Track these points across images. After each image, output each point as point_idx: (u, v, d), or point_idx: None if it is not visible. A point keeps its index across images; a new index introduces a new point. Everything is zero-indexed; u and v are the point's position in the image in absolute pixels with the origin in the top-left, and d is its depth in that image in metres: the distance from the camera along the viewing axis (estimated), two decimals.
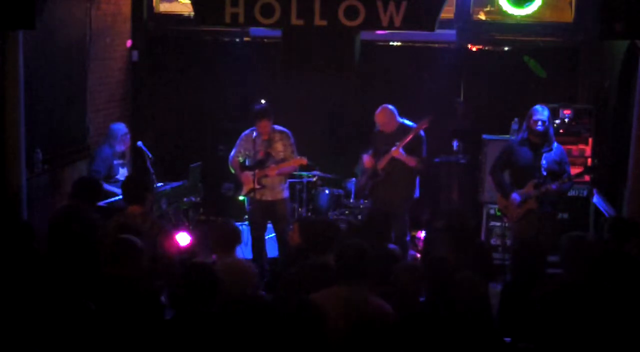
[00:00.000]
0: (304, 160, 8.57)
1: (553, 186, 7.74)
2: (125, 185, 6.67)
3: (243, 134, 8.73)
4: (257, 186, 8.49)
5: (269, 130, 8.54)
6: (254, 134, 8.61)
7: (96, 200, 7.11)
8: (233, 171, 8.83)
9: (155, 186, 8.53)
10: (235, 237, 6.04)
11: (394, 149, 8.38)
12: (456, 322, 4.69)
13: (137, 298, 4.92)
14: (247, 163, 8.55)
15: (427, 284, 5.26)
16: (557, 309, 4.66)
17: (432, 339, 4.51)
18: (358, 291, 4.93)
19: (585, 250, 5.66)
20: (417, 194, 8.80)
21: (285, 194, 8.76)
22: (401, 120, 8.57)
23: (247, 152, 8.60)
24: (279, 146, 8.58)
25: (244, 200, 8.88)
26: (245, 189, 8.65)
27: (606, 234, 6.46)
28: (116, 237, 5.56)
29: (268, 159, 8.54)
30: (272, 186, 8.58)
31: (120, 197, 7.06)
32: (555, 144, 7.95)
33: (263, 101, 9.71)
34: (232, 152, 8.80)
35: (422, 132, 8.46)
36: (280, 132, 8.63)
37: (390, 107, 8.52)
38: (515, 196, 7.85)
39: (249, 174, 8.51)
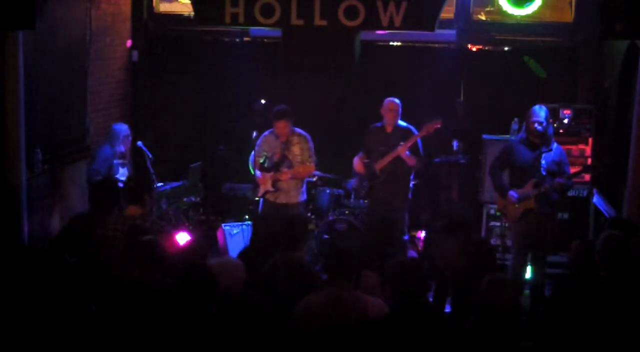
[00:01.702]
0: (312, 168, 8.50)
1: (552, 183, 7.74)
2: (125, 185, 6.65)
3: (262, 135, 8.59)
4: (271, 189, 8.45)
5: (288, 132, 8.38)
6: (267, 134, 8.51)
7: (117, 204, 7.02)
8: (252, 172, 8.72)
9: (155, 186, 8.52)
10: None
11: (400, 146, 8.36)
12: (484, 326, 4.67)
13: (161, 301, 4.89)
14: (266, 164, 8.48)
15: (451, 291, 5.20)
16: (562, 308, 4.67)
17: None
18: (350, 291, 4.96)
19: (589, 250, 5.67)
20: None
21: (302, 197, 8.59)
22: (398, 121, 8.59)
23: (266, 154, 8.44)
24: (296, 149, 8.44)
25: (258, 200, 8.77)
26: (261, 191, 8.54)
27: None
28: (137, 240, 5.53)
29: (283, 162, 8.43)
30: (287, 189, 8.46)
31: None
32: (555, 145, 7.95)
33: (263, 101, 9.72)
34: (253, 153, 8.69)
35: (416, 133, 8.48)
36: (299, 135, 8.48)
37: (397, 101, 8.55)
38: (512, 193, 7.84)
39: (266, 175, 8.45)
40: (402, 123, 8.59)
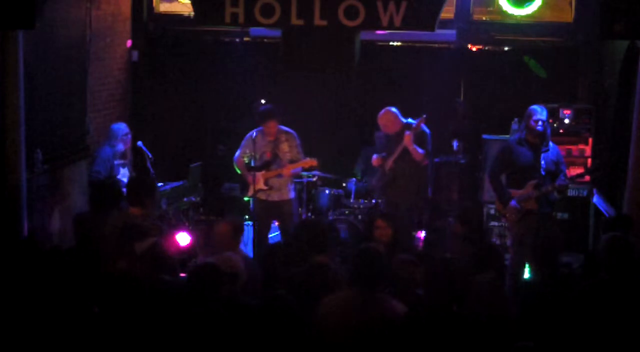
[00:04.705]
0: (314, 162, 8.54)
1: (552, 183, 7.73)
2: (129, 186, 6.66)
3: (248, 134, 8.67)
4: (264, 187, 8.47)
5: (276, 131, 8.52)
6: (254, 134, 8.59)
7: (118, 204, 7.00)
8: (239, 172, 8.77)
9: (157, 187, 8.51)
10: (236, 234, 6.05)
11: (406, 135, 8.21)
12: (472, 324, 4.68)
13: (143, 296, 4.91)
14: (252, 163, 8.51)
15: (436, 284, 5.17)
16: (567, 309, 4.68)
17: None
18: (373, 294, 4.91)
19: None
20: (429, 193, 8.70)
21: (292, 194, 8.71)
22: (405, 120, 8.51)
23: (250, 153, 8.54)
24: (285, 147, 8.57)
25: (248, 200, 8.82)
26: (251, 190, 8.55)
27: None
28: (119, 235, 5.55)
29: (275, 160, 8.52)
30: (279, 187, 8.55)
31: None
32: (551, 144, 7.93)
33: (263, 101, 9.71)
34: (237, 153, 8.74)
35: (426, 129, 8.40)
36: (287, 132, 8.62)
37: (393, 109, 8.45)
38: (514, 204, 7.78)
39: (257, 175, 8.46)
40: (411, 121, 8.48)
